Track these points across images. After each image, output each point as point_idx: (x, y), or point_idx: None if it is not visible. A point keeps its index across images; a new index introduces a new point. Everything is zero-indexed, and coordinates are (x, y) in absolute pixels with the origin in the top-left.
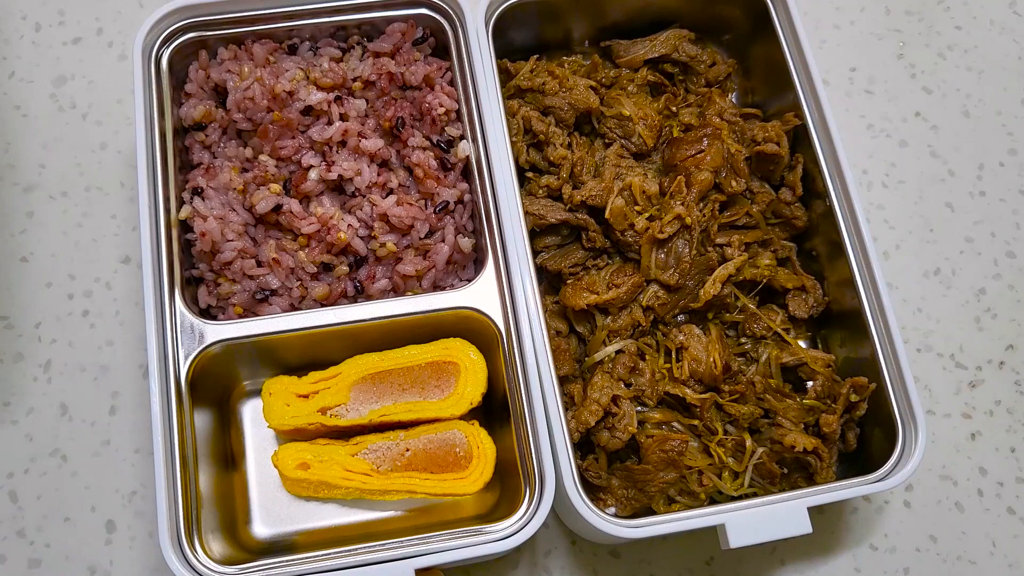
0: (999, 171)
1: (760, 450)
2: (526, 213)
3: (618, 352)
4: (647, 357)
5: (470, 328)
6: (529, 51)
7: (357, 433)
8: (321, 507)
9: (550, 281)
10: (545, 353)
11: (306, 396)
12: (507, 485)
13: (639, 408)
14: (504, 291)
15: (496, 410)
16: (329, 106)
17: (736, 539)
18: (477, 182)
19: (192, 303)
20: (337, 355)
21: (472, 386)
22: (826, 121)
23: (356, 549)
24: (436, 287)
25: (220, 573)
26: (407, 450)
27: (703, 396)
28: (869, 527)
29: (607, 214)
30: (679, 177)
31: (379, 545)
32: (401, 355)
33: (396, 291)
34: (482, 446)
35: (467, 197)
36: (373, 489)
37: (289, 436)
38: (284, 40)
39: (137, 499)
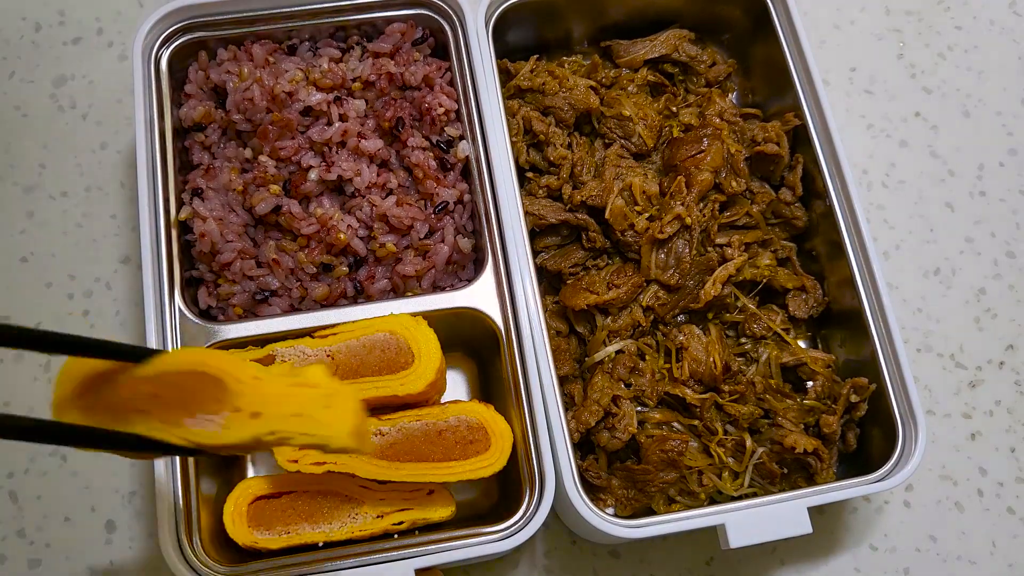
0: (999, 171)
1: (760, 450)
2: (526, 213)
3: (618, 352)
4: (647, 357)
5: (470, 328)
6: (529, 51)
7: None
8: None
9: (550, 281)
10: (545, 353)
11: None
12: (507, 485)
13: (639, 408)
14: (504, 291)
15: (496, 410)
16: (328, 107)
17: (736, 539)
18: (477, 182)
19: (192, 304)
20: None
21: (425, 359)
22: (826, 121)
23: (356, 549)
24: (436, 287)
25: (220, 573)
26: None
27: (703, 396)
28: (869, 527)
29: (607, 214)
30: (679, 177)
31: (379, 545)
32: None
33: (396, 291)
34: (498, 427)
35: (467, 197)
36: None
37: None
38: (284, 41)
39: (137, 499)
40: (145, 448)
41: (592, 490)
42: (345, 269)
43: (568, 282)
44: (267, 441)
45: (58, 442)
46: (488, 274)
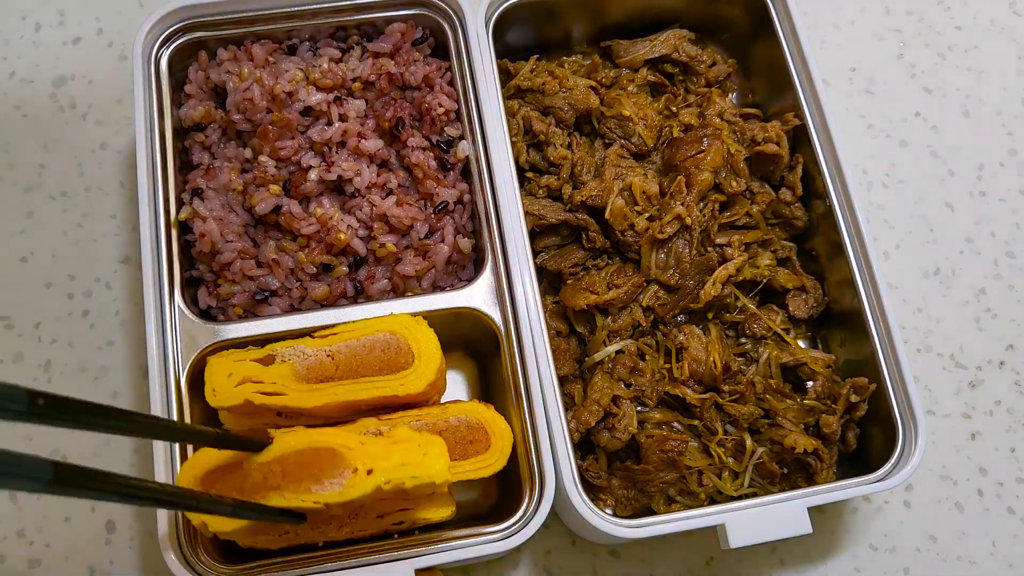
0: (999, 171)
1: (760, 450)
2: (526, 213)
3: (618, 352)
4: (647, 357)
5: (470, 328)
6: (529, 51)
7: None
8: None
9: (550, 281)
10: (545, 353)
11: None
12: (507, 485)
13: (639, 408)
14: (504, 291)
15: (496, 410)
16: (328, 106)
17: (736, 539)
18: (477, 182)
19: (192, 304)
20: None
21: (426, 358)
22: (826, 121)
23: (356, 549)
24: (436, 287)
25: (220, 573)
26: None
27: (703, 396)
28: (869, 527)
29: (607, 214)
30: (679, 177)
31: (379, 545)
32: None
33: (396, 291)
34: (498, 427)
35: (467, 197)
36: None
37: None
38: (284, 41)
39: None
40: (282, 516)
41: (592, 490)
42: (345, 269)
43: (568, 282)
44: (385, 490)
45: (218, 511)
46: (488, 274)
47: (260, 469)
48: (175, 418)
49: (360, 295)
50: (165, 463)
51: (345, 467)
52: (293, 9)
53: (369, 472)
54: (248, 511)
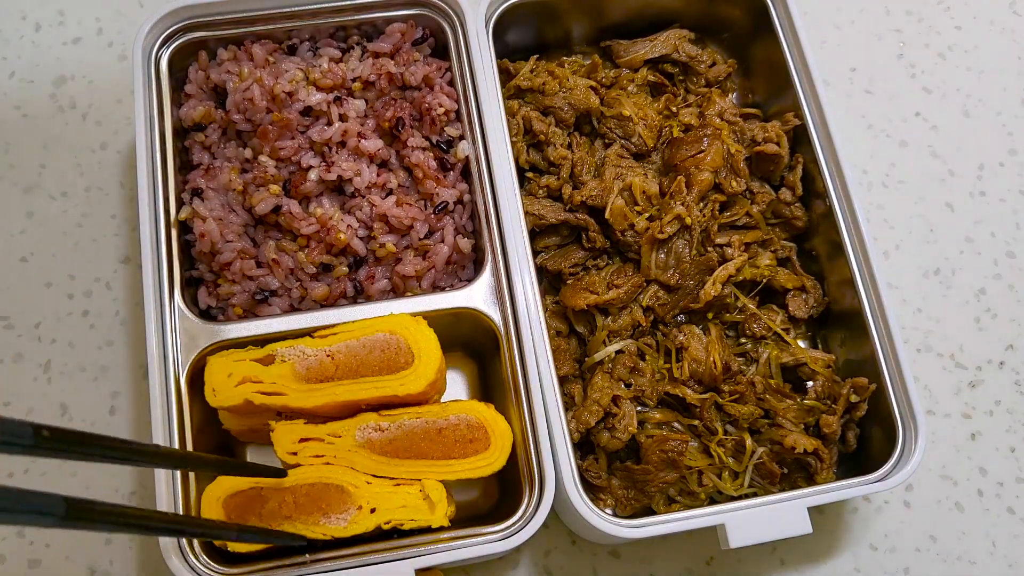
0: (999, 171)
1: (760, 450)
2: (526, 213)
3: (618, 352)
4: (647, 357)
5: (470, 328)
6: (529, 51)
7: (319, 414)
8: None
9: (550, 281)
10: (545, 353)
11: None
12: (507, 485)
13: (639, 408)
14: (504, 291)
15: (496, 409)
16: (328, 107)
17: (736, 539)
18: (477, 182)
19: (192, 304)
20: None
21: (426, 357)
22: (826, 121)
23: (356, 549)
24: (436, 287)
25: (220, 573)
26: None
27: (703, 396)
28: (869, 527)
29: (607, 214)
30: (679, 177)
31: (379, 545)
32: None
33: (396, 291)
34: (499, 426)
35: (467, 197)
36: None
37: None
38: (284, 40)
39: (137, 499)
40: (293, 541)
41: (592, 490)
42: (345, 269)
43: (568, 282)
44: (385, 529)
45: (241, 540)
46: (488, 274)
47: (276, 498)
48: (175, 418)
49: (360, 295)
50: (166, 476)
51: (351, 504)
52: (293, 9)
53: (372, 511)
54: (251, 535)
